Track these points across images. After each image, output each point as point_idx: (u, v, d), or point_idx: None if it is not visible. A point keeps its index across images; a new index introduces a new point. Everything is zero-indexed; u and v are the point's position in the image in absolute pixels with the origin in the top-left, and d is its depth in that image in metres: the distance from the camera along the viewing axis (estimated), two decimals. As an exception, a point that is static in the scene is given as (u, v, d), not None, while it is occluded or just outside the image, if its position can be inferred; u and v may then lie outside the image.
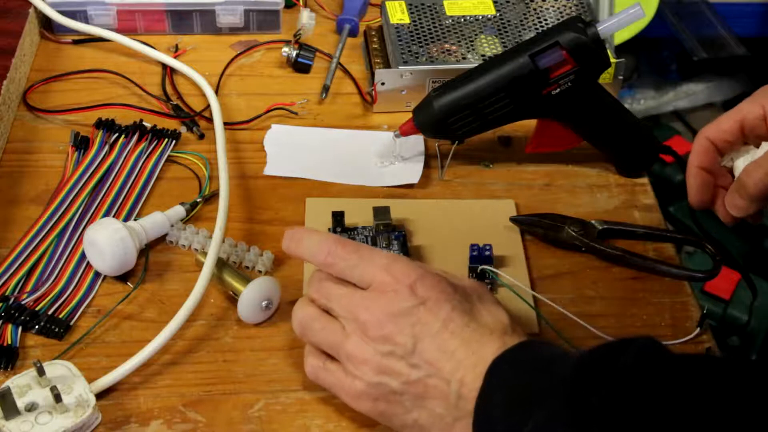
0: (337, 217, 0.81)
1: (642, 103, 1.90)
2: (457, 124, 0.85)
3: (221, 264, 0.78)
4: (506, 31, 0.98)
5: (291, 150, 0.92)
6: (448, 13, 1.00)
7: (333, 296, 0.67)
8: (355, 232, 0.81)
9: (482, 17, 1.00)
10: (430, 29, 0.98)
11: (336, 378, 0.66)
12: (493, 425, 0.59)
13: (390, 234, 0.80)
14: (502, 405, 0.59)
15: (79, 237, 0.81)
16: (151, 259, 0.80)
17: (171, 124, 0.93)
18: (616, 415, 0.53)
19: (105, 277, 0.78)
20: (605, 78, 0.94)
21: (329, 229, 0.81)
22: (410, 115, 0.88)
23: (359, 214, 0.85)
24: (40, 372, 0.67)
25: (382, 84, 0.94)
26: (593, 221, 0.83)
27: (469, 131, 0.86)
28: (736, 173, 0.75)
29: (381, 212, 0.81)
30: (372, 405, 0.65)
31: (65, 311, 0.75)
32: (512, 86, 0.83)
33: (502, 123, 0.87)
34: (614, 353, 0.57)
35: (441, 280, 0.66)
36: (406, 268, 0.65)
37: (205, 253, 0.77)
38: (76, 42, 1.03)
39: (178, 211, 0.83)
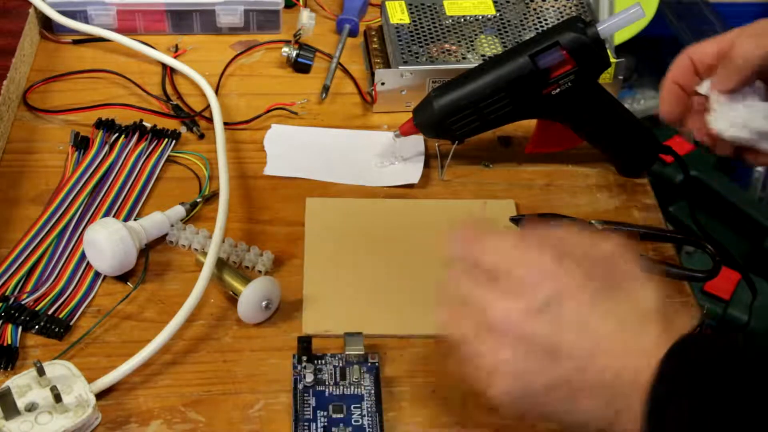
0: (304, 343, 0.73)
1: (642, 103, 1.90)
2: (457, 124, 0.85)
3: (221, 264, 0.78)
4: (506, 31, 0.98)
5: (291, 150, 0.92)
6: (448, 13, 1.00)
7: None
8: (323, 361, 0.72)
9: (482, 17, 1.00)
10: (430, 29, 0.98)
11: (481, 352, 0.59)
12: None
13: (361, 366, 0.72)
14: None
15: (79, 237, 0.81)
16: (151, 259, 0.80)
17: (171, 124, 0.93)
18: None
19: (105, 277, 0.78)
20: (605, 78, 0.94)
21: (293, 355, 0.72)
22: (410, 115, 0.88)
23: (359, 215, 0.85)
24: (40, 372, 0.67)
25: (382, 84, 0.94)
26: (593, 221, 0.83)
27: (469, 131, 0.86)
28: (712, 102, 0.75)
29: (353, 340, 0.73)
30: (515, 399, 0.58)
31: (65, 311, 0.75)
32: (512, 86, 0.83)
33: (502, 123, 0.87)
34: None
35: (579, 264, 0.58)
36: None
37: (205, 253, 0.77)
38: (76, 42, 1.03)
39: (178, 211, 0.83)
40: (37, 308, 0.75)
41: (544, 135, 0.88)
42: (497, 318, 0.57)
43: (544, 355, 0.56)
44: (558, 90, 0.83)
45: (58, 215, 0.82)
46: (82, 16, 1.02)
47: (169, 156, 0.90)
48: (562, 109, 0.85)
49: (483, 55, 0.95)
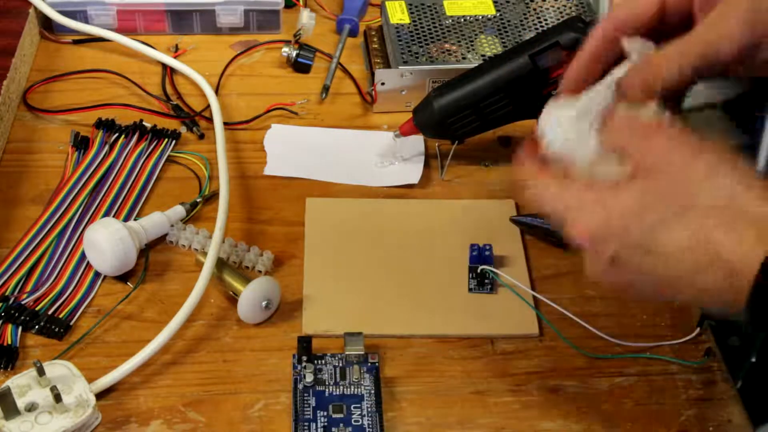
0: (304, 343, 0.73)
1: (642, 103, 1.90)
2: (457, 124, 0.86)
3: (221, 264, 0.78)
4: (506, 31, 0.98)
5: (291, 150, 0.92)
6: (448, 13, 1.00)
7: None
8: (323, 361, 0.72)
9: (482, 17, 1.00)
10: (430, 29, 0.98)
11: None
12: None
13: (361, 366, 0.72)
14: None
15: (79, 237, 0.81)
16: (151, 259, 0.80)
17: (171, 124, 0.93)
18: None
19: (105, 277, 0.78)
20: (605, 78, 0.94)
21: (293, 355, 0.72)
22: (410, 115, 0.88)
23: (359, 215, 0.85)
24: (40, 372, 0.67)
25: (382, 84, 0.94)
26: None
27: (469, 131, 0.86)
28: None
29: (353, 340, 0.73)
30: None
31: (65, 311, 0.75)
32: (512, 86, 0.83)
33: (502, 123, 0.87)
34: None
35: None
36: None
37: (205, 253, 0.77)
38: (76, 42, 1.03)
39: (178, 211, 0.83)
40: (37, 308, 0.75)
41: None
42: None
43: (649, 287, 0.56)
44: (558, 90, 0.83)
45: (58, 215, 0.82)
46: (82, 16, 1.02)
47: (169, 156, 0.90)
48: None
49: (483, 55, 0.95)
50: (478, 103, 0.84)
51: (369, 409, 0.70)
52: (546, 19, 0.99)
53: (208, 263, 0.76)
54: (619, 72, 0.61)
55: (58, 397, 0.65)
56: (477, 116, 0.85)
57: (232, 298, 0.76)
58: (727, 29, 0.57)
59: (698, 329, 0.76)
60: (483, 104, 0.84)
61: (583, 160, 0.59)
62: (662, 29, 0.62)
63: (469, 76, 0.85)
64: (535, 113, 0.86)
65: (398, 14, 0.99)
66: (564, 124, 0.60)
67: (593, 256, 0.57)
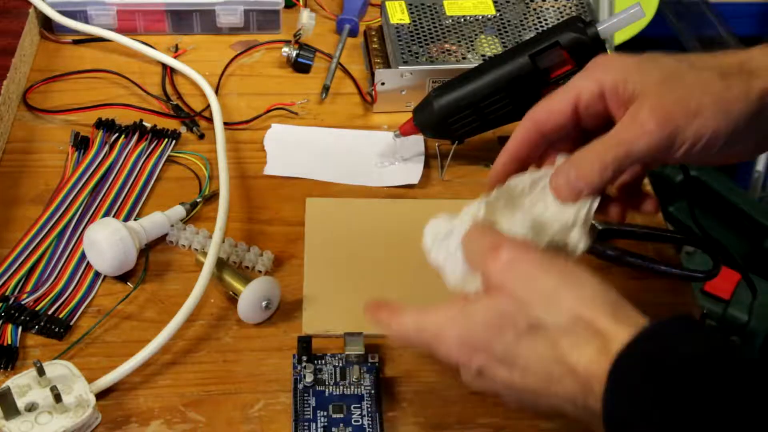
0: (304, 343, 0.73)
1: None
2: (457, 124, 0.86)
3: (221, 264, 0.78)
4: (506, 31, 0.98)
5: (291, 150, 0.92)
6: (448, 13, 1.00)
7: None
8: (323, 361, 0.72)
9: (482, 17, 1.00)
10: (430, 29, 0.98)
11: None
12: None
13: (361, 366, 0.72)
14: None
15: (79, 237, 0.81)
16: (151, 259, 0.80)
17: (171, 124, 0.93)
18: None
19: (105, 277, 0.78)
20: (605, 78, 0.94)
21: (293, 355, 0.73)
22: (410, 115, 0.88)
23: (359, 215, 0.85)
24: (40, 372, 0.67)
25: (382, 84, 0.94)
26: (593, 221, 0.82)
27: (469, 131, 0.86)
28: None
29: (353, 340, 0.73)
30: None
31: (65, 311, 0.75)
32: (512, 86, 0.83)
33: (502, 123, 0.87)
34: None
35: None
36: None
37: (205, 253, 0.77)
38: (76, 42, 1.03)
39: (178, 211, 0.83)
40: (37, 308, 0.75)
41: None
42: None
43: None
44: None
45: (58, 215, 0.82)
46: (82, 16, 1.02)
47: (169, 156, 0.90)
48: None
49: (483, 55, 0.95)
50: (478, 103, 0.84)
51: (369, 409, 0.70)
52: (546, 19, 0.99)
53: (208, 263, 0.76)
54: (479, 202, 0.63)
55: (58, 397, 0.65)
56: (477, 116, 0.85)
57: (232, 298, 0.76)
58: (641, 127, 0.59)
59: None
60: (483, 104, 0.84)
61: (455, 274, 0.61)
62: (585, 131, 0.64)
63: (469, 76, 0.85)
64: None
65: (398, 14, 0.99)
66: (439, 239, 0.63)
67: (462, 366, 0.59)
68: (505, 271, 0.58)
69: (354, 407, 0.70)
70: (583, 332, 0.54)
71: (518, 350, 0.56)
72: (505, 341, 0.56)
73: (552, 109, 0.64)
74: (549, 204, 0.62)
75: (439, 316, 0.60)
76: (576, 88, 0.63)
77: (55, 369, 0.68)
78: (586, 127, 0.64)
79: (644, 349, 0.53)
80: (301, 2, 1.07)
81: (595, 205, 0.62)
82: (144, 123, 0.92)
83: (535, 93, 0.83)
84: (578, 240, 0.62)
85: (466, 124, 0.86)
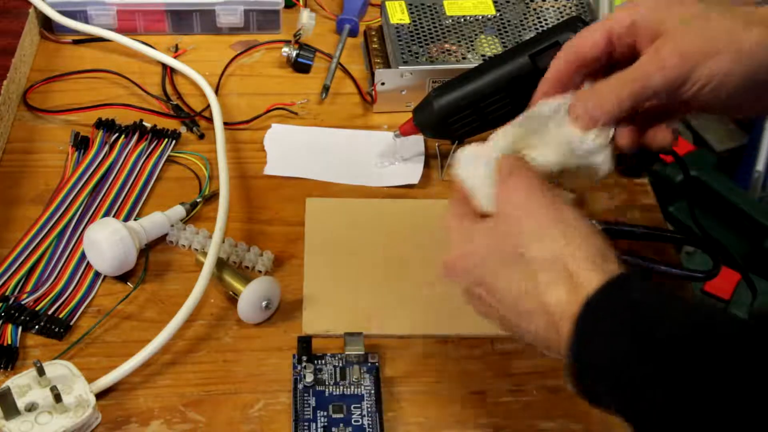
0: (304, 343, 0.73)
1: (642, 103, 1.90)
2: (457, 124, 0.86)
3: (221, 264, 0.78)
4: (506, 31, 0.98)
5: (291, 150, 0.92)
6: (448, 13, 1.00)
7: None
8: (323, 361, 0.72)
9: (482, 17, 1.00)
10: (430, 29, 0.98)
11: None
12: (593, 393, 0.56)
13: (361, 366, 0.72)
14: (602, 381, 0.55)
15: (79, 237, 0.81)
16: (151, 259, 0.80)
17: (171, 124, 0.93)
18: None
19: (105, 277, 0.78)
20: (605, 78, 0.94)
21: (293, 355, 0.73)
22: (410, 115, 0.88)
23: (359, 215, 0.85)
24: (40, 372, 0.67)
25: (382, 84, 0.94)
26: (593, 221, 0.82)
27: (469, 131, 0.86)
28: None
29: (353, 340, 0.73)
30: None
31: (65, 311, 0.75)
32: (512, 86, 0.83)
33: (502, 123, 0.86)
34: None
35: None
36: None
37: (205, 253, 0.77)
38: (76, 42, 1.03)
39: (178, 211, 0.83)
40: (37, 308, 0.75)
41: None
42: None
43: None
44: None
45: (58, 215, 0.82)
46: (82, 16, 1.02)
47: (169, 156, 0.90)
48: None
49: (483, 55, 0.95)
50: (478, 103, 0.84)
51: (369, 409, 0.70)
52: (546, 19, 0.99)
53: (208, 263, 0.76)
54: (506, 129, 0.66)
55: (58, 397, 0.65)
56: (477, 116, 0.85)
57: (232, 298, 0.76)
58: (661, 61, 0.62)
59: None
60: (483, 104, 0.84)
61: (485, 199, 0.62)
62: (617, 65, 0.66)
63: (469, 76, 0.85)
64: None
65: (398, 14, 0.99)
66: (469, 166, 0.64)
67: (458, 283, 0.62)
68: (509, 198, 0.60)
69: (354, 407, 0.70)
70: (561, 272, 0.56)
71: (498, 276, 0.59)
72: (489, 265, 0.59)
73: (587, 38, 0.66)
74: (573, 128, 0.64)
75: (465, 225, 0.63)
76: (611, 18, 0.65)
77: (55, 369, 0.68)
78: (618, 60, 0.66)
79: (614, 295, 0.55)
80: (301, 2, 1.07)
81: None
82: (144, 123, 0.92)
83: None
84: (602, 162, 0.64)
85: (466, 124, 0.86)
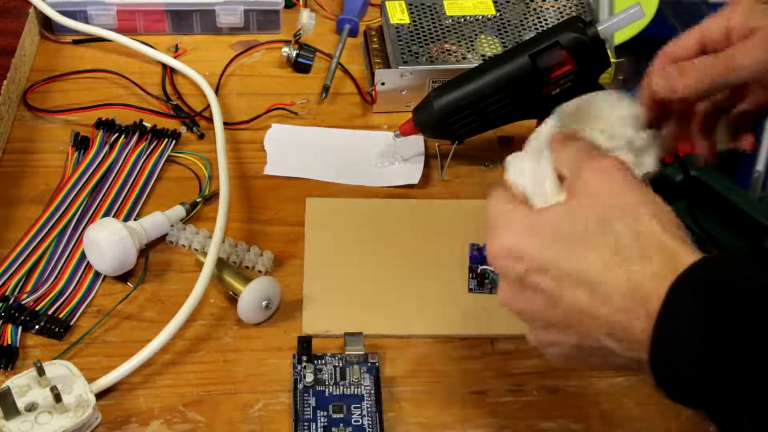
0: (304, 343, 0.73)
1: (642, 103, 1.90)
2: (457, 124, 0.86)
3: (221, 264, 0.78)
4: (506, 31, 0.98)
5: (291, 150, 0.92)
6: (448, 13, 1.00)
7: None
8: (323, 361, 0.72)
9: (482, 17, 1.00)
10: (430, 29, 0.98)
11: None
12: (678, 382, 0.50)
13: (361, 366, 0.72)
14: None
15: (79, 237, 0.81)
16: (151, 259, 0.80)
17: (171, 124, 0.93)
18: None
19: (105, 277, 0.78)
20: (605, 78, 0.94)
21: (293, 355, 0.72)
22: (410, 115, 0.88)
23: (359, 215, 0.85)
24: (40, 372, 0.67)
25: (382, 84, 0.94)
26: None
27: (469, 131, 0.86)
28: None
29: (353, 340, 0.73)
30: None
31: (65, 311, 0.75)
32: (512, 86, 0.83)
33: (502, 123, 0.87)
34: None
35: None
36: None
37: (205, 253, 0.77)
38: (76, 42, 1.03)
39: (178, 211, 0.83)
40: (37, 308, 0.75)
41: None
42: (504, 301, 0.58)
43: (547, 328, 0.56)
44: (558, 90, 0.83)
45: (58, 215, 0.82)
46: (82, 16, 1.02)
47: (169, 156, 0.90)
48: None
49: (483, 55, 0.95)
50: (478, 103, 0.84)
51: (369, 409, 0.70)
52: (546, 19, 0.99)
53: (208, 263, 0.76)
54: (549, 121, 0.63)
55: (58, 397, 0.65)
56: (477, 116, 0.85)
57: (232, 298, 0.76)
58: (747, 49, 0.64)
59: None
60: (483, 104, 0.84)
61: (540, 196, 0.59)
62: None
63: (469, 76, 0.85)
64: (535, 113, 0.86)
65: (398, 14, 0.99)
66: (517, 168, 0.61)
67: (505, 273, 0.57)
68: (594, 178, 0.56)
69: (354, 407, 0.70)
70: (654, 245, 0.52)
71: (572, 256, 0.54)
72: (559, 246, 0.54)
73: (681, 43, 0.68)
74: (623, 126, 0.64)
75: (517, 209, 0.58)
76: (704, 23, 0.67)
77: (55, 369, 0.68)
78: None
79: (710, 272, 0.51)
80: (301, 2, 1.07)
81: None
82: (144, 123, 0.92)
83: (535, 93, 0.83)
84: (649, 164, 0.64)
85: (466, 124, 0.86)
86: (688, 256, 0.52)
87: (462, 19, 0.99)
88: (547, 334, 0.57)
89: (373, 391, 0.71)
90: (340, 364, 0.72)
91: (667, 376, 0.51)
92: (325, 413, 0.69)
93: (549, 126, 0.62)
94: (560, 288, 0.54)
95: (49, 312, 0.75)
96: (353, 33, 1.05)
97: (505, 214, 0.58)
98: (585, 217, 0.54)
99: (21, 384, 0.67)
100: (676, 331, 0.50)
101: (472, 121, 0.85)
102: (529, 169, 0.60)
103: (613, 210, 0.54)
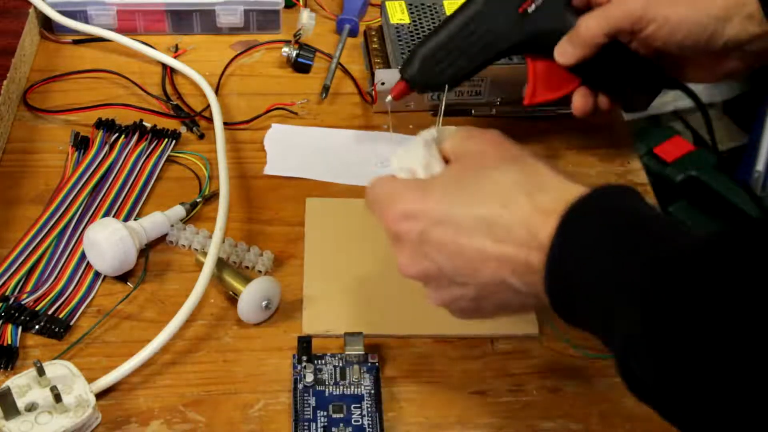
0: (304, 343, 0.73)
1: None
2: (444, 63, 0.82)
3: (221, 264, 0.78)
4: (506, 31, 0.98)
5: (291, 150, 0.92)
6: (448, 13, 1.00)
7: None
8: (323, 361, 0.72)
9: (482, 17, 0.99)
10: (430, 29, 0.98)
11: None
12: (565, 302, 0.54)
13: (361, 366, 0.72)
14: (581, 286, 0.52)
15: (79, 237, 0.81)
16: (151, 259, 0.80)
17: (171, 124, 0.93)
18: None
19: (105, 277, 0.78)
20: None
21: (293, 355, 0.73)
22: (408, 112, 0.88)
23: (359, 215, 0.85)
24: (40, 372, 0.67)
25: (382, 84, 0.94)
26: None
27: (457, 71, 0.83)
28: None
29: (353, 340, 0.73)
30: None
31: (65, 311, 0.75)
32: (487, 10, 0.81)
33: (488, 57, 0.83)
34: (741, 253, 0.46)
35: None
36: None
37: (205, 253, 0.77)
38: (76, 42, 1.03)
39: (178, 211, 0.83)
40: (37, 308, 0.75)
41: (538, 81, 0.85)
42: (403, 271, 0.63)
43: (450, 285, 0.60)
44: (533, 7, 0.81)
45: (58, 215, 0.82)
46: (82, 16, 1.02)
47: (169, 156, 0.90)
48: (546, 37, 0.82)
49: (483, 55, 0.95)
50: (459, 39, 0.81)
51: (369, 409, 0.70)
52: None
53: (208, 263, 0.76)
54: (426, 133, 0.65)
55: (58, 397, 0.65)
56: (461, 53, 0.82)
57: (232, 298, 0.76)
58: (624, 3, 0.79)
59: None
60: (464, 37, 0.81)
61: (423, 169, 0.63)
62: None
63: (448, 18, 0.82)
64: (520, 47, 0.84)
65: (398, 14, 0.99)
66: (411, 158, 0.64)
67: (405, 237, 0.60)
68: (479, 142, 0.61)
69: (354, 407, 0.70)
70: (543, 181, 0.56)
71: (462, 206, 0.57)
72: (449, 197, 0.58)
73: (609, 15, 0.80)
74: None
75: (404, 183, 0.62)
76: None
77: (55, 369, 0.68)
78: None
79: (600, 201, 0.54)
80: (301, 2, 1.07)
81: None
82: (144, 123, 0.92)
83: (512, 14, 0.81)
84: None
85: (452, 64, 0.82)
86: (577, 188, 0.55)
87: (462, 19, 0.99)
88: (450, 290, 0.60)
89: (373, 391, 0.71)
90: (340, 364, 0.72)
91: (561, 304, 0.54)
92: (325, 413, 0.69)
93: (431, 129, 0.66)
94: (460, 236, 0.57)
95: (49, 312, 0.75)
96: (353, 33, 1.05)
97: (392, 190, 0.62)
98: (473, 169, 0.59)
99: (21, 384, 0.67)
100: (566, 258, 0.53)
101: (457, 58, 0.82)
102: (418, 155, 0.63)
103: (500, 158, 0.59)
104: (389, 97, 0.86)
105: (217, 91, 0.97)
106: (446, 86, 0.84)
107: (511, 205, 0.56)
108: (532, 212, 0.55)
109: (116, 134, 0.90)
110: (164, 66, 1.00)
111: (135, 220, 0.82)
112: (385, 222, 0.62)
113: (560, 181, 0.57)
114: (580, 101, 0.85)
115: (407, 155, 0.65)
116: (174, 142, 0.91)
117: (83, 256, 0.79)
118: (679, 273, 0.47)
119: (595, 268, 0.51)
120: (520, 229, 0.55)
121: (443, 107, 0.85)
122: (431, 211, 0.58)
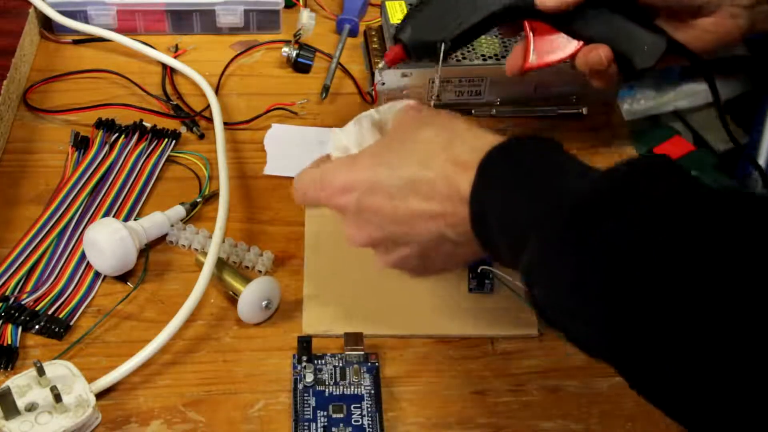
0: (304, 343, 0.73)
1: (642, 103, 1.90)
2: (440, 26, 0.81)
3: (221, 264, 0.78)
4: (506, 31, 0.98)
5: (291, 150, 0.92)
6: (448, 13, 1.00)
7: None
8: (323, 361, 0.72)
9: (482, 17, 0.99)
10: (430, 29, 0.98)
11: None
12: (492, 244, 0.57)
13: (361, 366, 0.72)
14: (496, 215, 0.55)
15: (79, 237, 0.81)
16: (151, 259, 0.80)
17: (171, 124, 0.93)
18: (630, 248, 0.47)
19: (105, 277, 0.78)
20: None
21: (293, 355, 0.73)
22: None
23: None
24: (40, 372, 0.67)
25: (382, 84, 0.94)
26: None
27: (454, 30, 0.81)
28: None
29: (353, 340, 0.73)
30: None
31: (65, 311, 0.75)
32: None
33: (485, 16, 0.80)
34: (638, 181, 0.51)
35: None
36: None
37: (205, 253, 0.77)
38: (76, 42, 1.03)
39: (178, 211, 0.83)
40: (37, 308, 0.75)
41: (536, 45, 0.82)
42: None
43: (395, 247, 0.63)
44: None
45: (58, 215, 0.82)
46: (82, 16, 1.02)
47: (169, 156, 0.90)
48: None
49: (482, 55, 0.95)
50: None
51: (369, 409, 0.70)
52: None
53: (208, 263, 0.76)
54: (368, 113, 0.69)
55: (58, 397, 0.65)
56: (456, 13, 0.80)
57: (232, 298, 0.76)
58: None
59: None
60: None
61: (358, 143, 0.67)
62: None
63: None
64: (519, 11, 0.82)
65: (398, 14, 0.99)
66: (348, 134, 0.69)
67: (345, 208, 0.63)
68: (406, 120, 0.64)
69: (354, 407, 0.70)
70: (463, 138, 0.59)
71: (398, 166, 0.60)
72: (379, 164, 0.61)
73: None
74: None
75: (335, 161, 0.66)
76: None
77: (55, 369, 0.68)
78: None
79: (516, 146, 0.58)
80: (301, 2, 1.07)
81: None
82: (144, 123, 0.92)
83: None
84: None
85: (450, 21, 0.80)
86: (493, 138, 0.58)
87: (462, 19, 0.99)
88: (396, 252, 0.64)
89: (373, 391, 0.71)
90: (340, 364, 0.72)
91: (488, 246, 0.57)
92: (325, 413, 0.69)
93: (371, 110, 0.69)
94: (392, 199, 0.60)
95: (49, 312, 0.75)
96: (353, 33, 1.05)
97: (323, 171, 0.65)
98: (399, 138, 0.62)
99: (21, 384, 0.67)
100: (483, 202, 0.56)
101: (455, 18, 0.80)
102: (350, 133, 0.68)
103: (420, 121, 0.62)
104: (383, 63, 0.85)
105: (217, 91, 0.97)
106: (442, 46, 0.82)
107: (430, 162, 0.59)
108: (450, 166, 0.58)
109: (116, 134, 0.90)
110: (164, 66, 1.00)
111: (135, 220, 0.82)
112: (326, 201, 0.64)
113: (474, 134, 0.60)
114: (581, 59, 0.81)
115: (341, 134, 0.68)
116: (174, 142, 0.91)
117: (83, 256, 0.79)
118: (574, 206, 0.50)
119: (510, 208, 0.55)
120: (442, 184, 0.58)
121: (439, 78, 0.85)
122: (362, 179, 0.62)
